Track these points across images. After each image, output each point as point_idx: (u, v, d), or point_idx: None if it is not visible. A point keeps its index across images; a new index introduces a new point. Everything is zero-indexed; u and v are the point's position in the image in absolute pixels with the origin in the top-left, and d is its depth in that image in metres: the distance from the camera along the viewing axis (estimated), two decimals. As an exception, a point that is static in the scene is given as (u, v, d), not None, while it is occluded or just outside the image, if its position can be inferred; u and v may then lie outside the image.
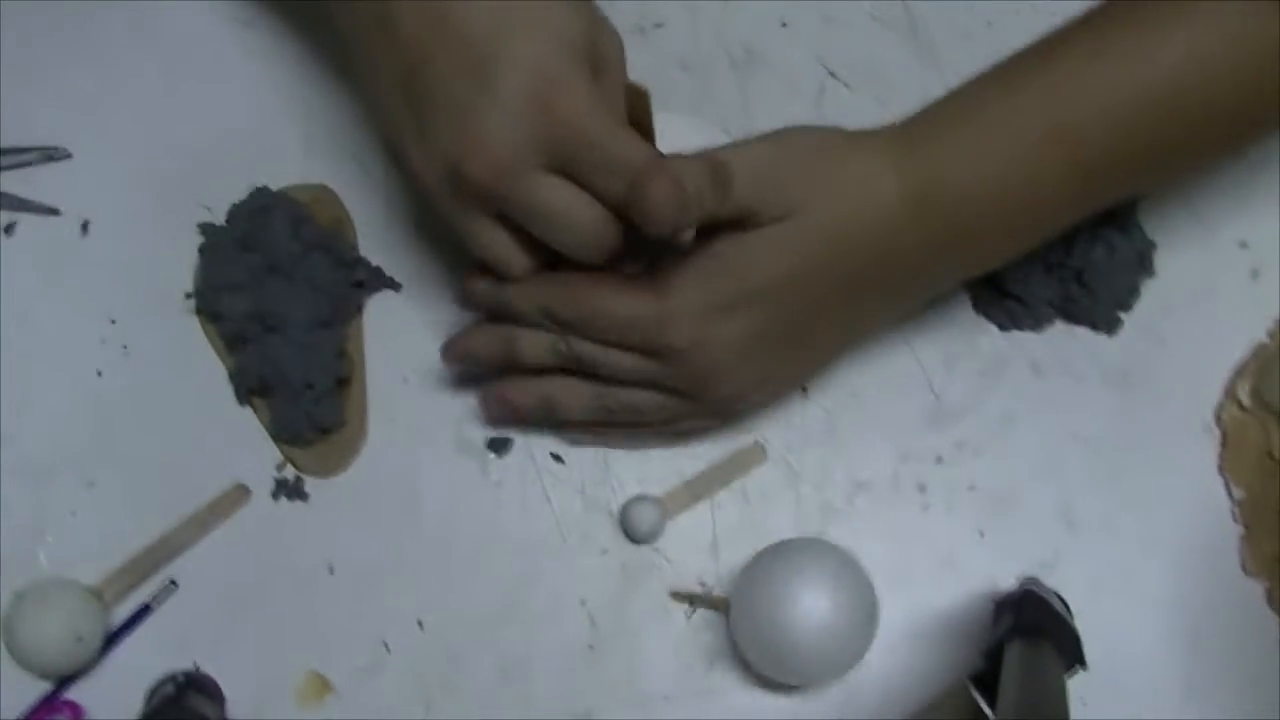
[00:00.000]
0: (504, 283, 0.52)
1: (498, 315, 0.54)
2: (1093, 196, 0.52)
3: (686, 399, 0.53)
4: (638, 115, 0.49)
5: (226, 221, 0.58)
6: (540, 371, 0.54)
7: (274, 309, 0.56)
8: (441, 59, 0.46)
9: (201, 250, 0.58)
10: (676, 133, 0.52)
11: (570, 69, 0.46)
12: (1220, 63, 0.48)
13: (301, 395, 0.56)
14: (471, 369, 0.57)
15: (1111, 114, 0.49)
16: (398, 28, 0.47)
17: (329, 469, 0.58)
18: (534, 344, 0.53)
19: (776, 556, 0.53)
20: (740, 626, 0.52)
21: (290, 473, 0.58)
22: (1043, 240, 0.53)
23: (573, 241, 0.49)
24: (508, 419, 0.57)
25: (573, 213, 0.48)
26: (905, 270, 0.51)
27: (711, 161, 0.47)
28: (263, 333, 0.57)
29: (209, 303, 0.57)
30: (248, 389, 0.58)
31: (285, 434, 0.57)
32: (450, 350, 0.55)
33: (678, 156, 0.47)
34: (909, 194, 0.49)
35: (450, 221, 0.50)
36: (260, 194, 0.58)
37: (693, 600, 0.56)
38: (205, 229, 0.58)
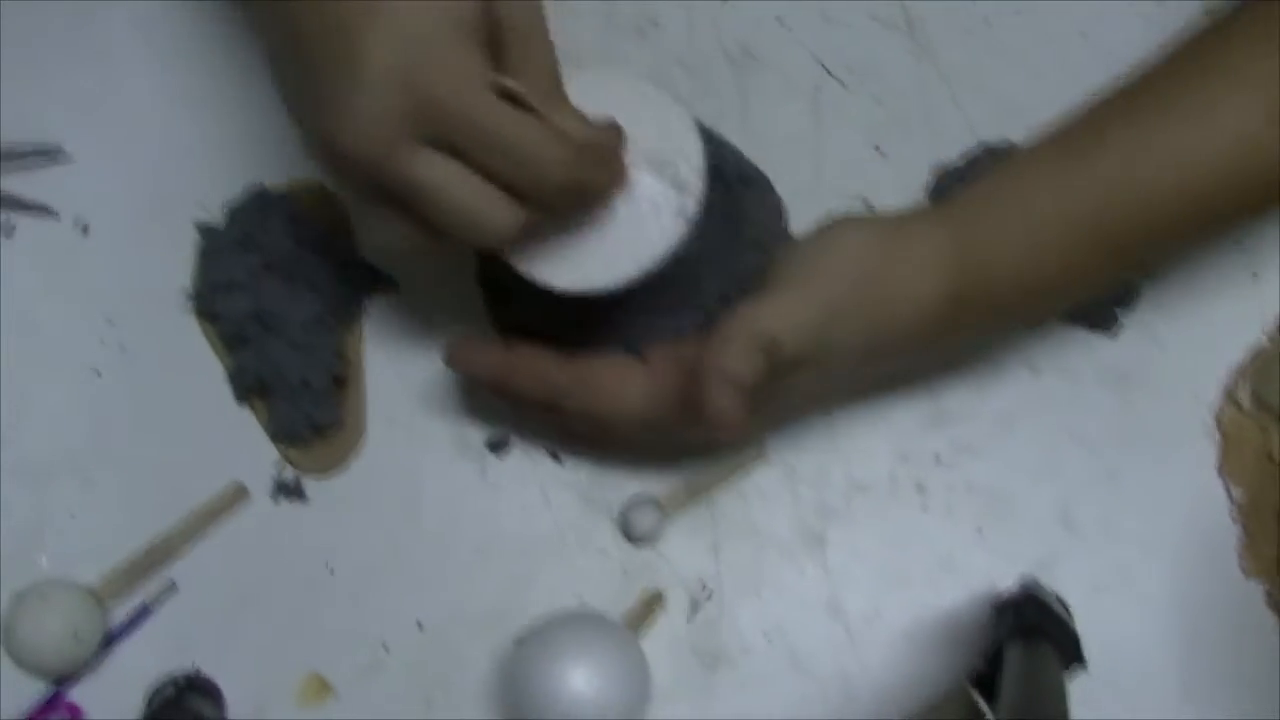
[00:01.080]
0: (507, 360, 0.52)
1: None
2: (1123, 274, 0.56)
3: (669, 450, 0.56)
4: None
5: (225, 222, 0.58)
6: None
7: (272, 309, 0.56)
8: (316, 36, 0.45)
9: (200, 250, 0.58)
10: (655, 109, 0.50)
11: (445, 40, 0.43)
12: (1267, 149, 0.48)
13: (300, 395, 0.56)
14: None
15: (1156, 207, 0.49)
16: (287, 11, 0.46)
17: (327, 469, 0.58)
18: (539, 420, 0.55)
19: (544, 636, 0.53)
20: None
21: (289, 473, 0.58)
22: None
23: (456, 221, 0.45)
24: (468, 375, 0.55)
25: (450, 189, 0.44)
26: (933, 347, 0.52)
27: (764, 342, 0.46)
28: (261, 333, 0.57)
29: (208, 303, 0.57)
30: (246, 389, 0.58)
31: (283, 434, 0.57)
32: (451, 358, 0.54)
33: (724, 336, 0.46)
34: (953, 294, 0.50)
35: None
36: (259, 194, 0.58)
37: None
38: (204, 229, 0.58)
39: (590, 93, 0.48)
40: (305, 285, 0.57)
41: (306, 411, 0.56)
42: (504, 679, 0.54)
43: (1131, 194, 0.49)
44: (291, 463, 0.58)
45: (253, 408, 0.58)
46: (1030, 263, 0.50)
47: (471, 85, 0.44)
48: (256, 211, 0.57)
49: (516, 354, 0.52)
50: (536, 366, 0.52)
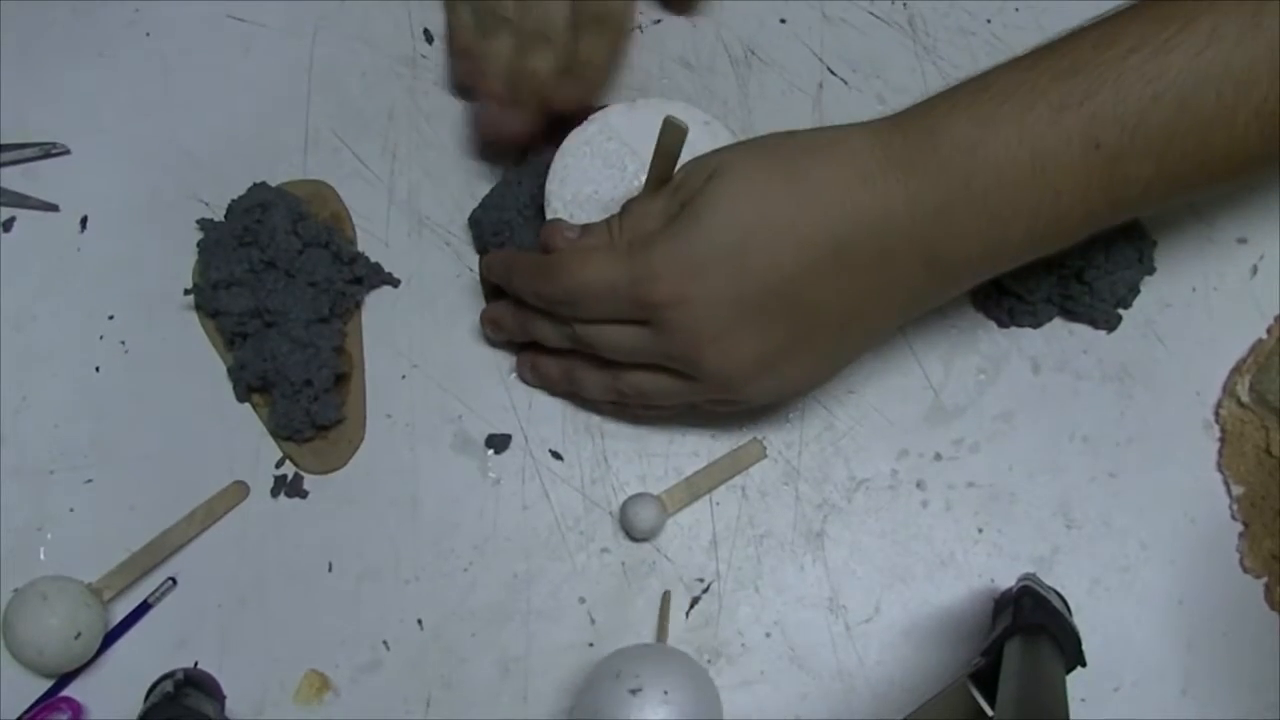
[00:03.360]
0: (508, 266, 0.55)
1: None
2: (1114, 190, 0.49)
3: (686, 379, 0.52)
4: (666, 145, 0.50)
5: (225, 217, 0.58)
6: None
7: (273, 305, 0.56)
8: None
9: (200, 246, 0.58)
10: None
11: None
12: (1249, 63, 0.47)
13: (300, 392, 0.56)
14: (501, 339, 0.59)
15: (1127, 103, 0.47)
16: None
17: (328, 465, 0.58)
18: (545, 329, 0.55)
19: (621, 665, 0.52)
20: None
21: (289, 469, 0.58)
22: (1058, 240, 0.51)
23: (527, 6, 0.57)
24: (540, 386, 0.59)
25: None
26: (900, 247, 0.49)
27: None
28: (262, 329, 0.57)
29: (208, 299, 0.57)
30: (247, 385, 0.58)
31: (284, 430, 0.57)
32: (484, 318, 0.59)
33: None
34: (891, 155, 0.48)
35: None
36: (259, 190, 0.58)
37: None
38: (204, 225, 0.58)
39: (650, 119, 0.52)
40: (305, 281, 0.57)
41: (307, 408, 0.56)
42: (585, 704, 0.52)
43: (1103, 81, 0.47)
44: (293, 459, 0.58)
45: (253, 405, 0.58)
46: (992, 135, 0.47)
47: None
48: (257, 208, 0.57)
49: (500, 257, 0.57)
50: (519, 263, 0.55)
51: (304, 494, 0.57)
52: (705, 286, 0.49)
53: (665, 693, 0.49)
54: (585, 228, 0.54)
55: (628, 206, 0.53)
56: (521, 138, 0.58)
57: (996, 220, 0.48)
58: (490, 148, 0.61)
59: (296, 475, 0.58)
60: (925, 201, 0.48)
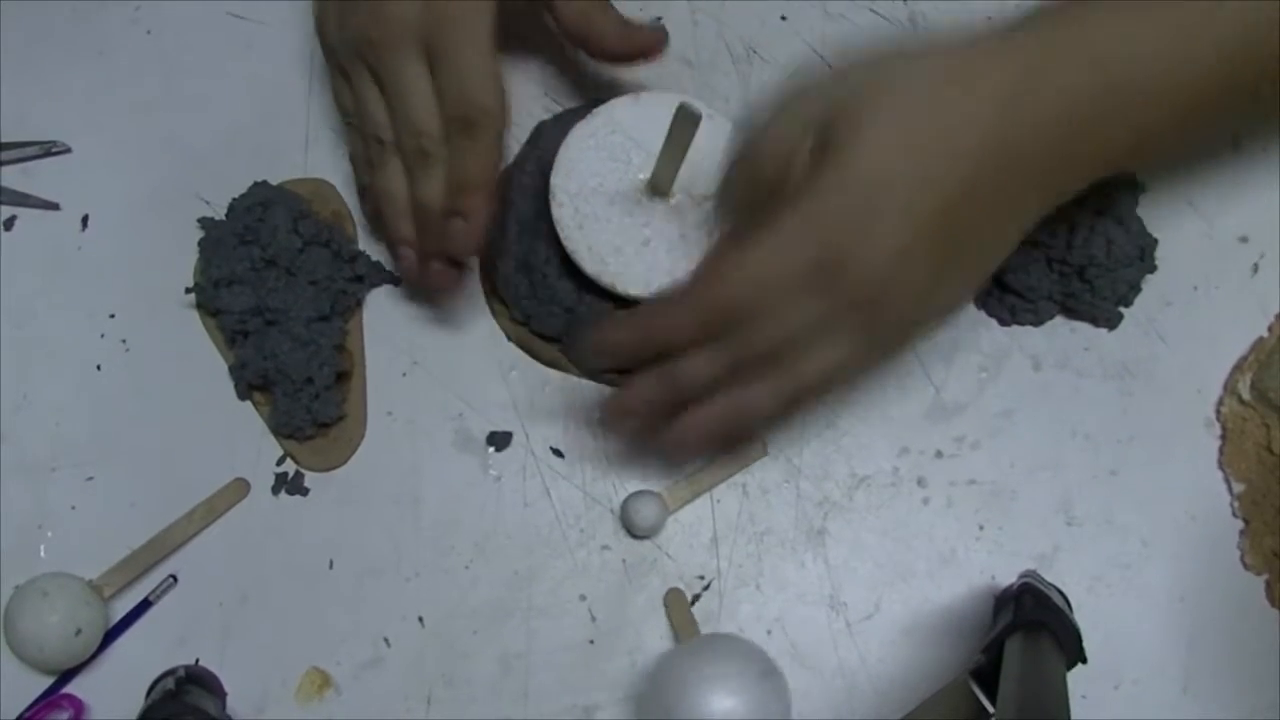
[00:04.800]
0: (650, 318, 0.51)
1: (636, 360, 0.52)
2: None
3: (860, 336, 0.49)
4: (679, 134, 0.50)
5: (226, 216, 0.58)
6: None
7: (274, 304, 0.56)
8: None
9: (201, 244, 0.58)
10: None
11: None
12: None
13: (301, 390, 0.56)
14: (633, 432, 0.56)
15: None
16: None
17: (328, 463, 0.58)
18: (696, 364, 0.50)
19: (694, 654, 0.52)
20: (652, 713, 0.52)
21: (290, 467, 0.58)
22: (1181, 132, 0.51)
23: (399, 121, 0.53)
24: (698, 449, 0.54)
25: (409, 92, 0.53)
26: (1028, 154, 0.48)
27: None
28: (263, 327, 0.57)
29: (209, 297, 0.57)
30: (248, 384, 0.58)
31: (285, 428, 0.57)
32: (613, 412, 0.54)
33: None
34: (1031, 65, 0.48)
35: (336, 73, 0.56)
36: (260, 188, 0.58)
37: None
38: (205, 223, 0.58)
39: (654, 112, 0.53)
40: (306, 279, 0.57)
41: (308, 406, 0.56)
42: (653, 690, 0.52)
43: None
44: (294, 457, 0.58)
45: (254, 403, 0.58)
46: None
47: (471, 24, 0.52)
48: (258, 206, 0.57)
49: (633, 322, 0.51)
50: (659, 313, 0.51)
51: (305, 491, 0.57)
52: (881, 231, 0.46)
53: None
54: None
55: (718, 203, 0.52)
56: (458, 284, 0.57)
57: (1105, 142, 0.49)
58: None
59: (298, 473, 0.58)
60: (1048, 108, 0.48)
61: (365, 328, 0.59)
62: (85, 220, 0.60)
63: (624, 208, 0.55)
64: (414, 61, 0.52)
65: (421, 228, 0.55)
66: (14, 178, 0.60)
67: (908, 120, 0.47)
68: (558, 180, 0.56)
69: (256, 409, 0.58)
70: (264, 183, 0.59)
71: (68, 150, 0.61)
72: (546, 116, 0.60)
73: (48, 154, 0.61)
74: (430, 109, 0.53)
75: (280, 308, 0.56)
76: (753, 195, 0.49)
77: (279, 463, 0.58)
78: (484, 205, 0.53)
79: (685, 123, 0.49)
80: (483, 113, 0.52)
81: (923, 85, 0.48)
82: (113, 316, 0.59)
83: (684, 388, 0.50)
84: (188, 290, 0.58)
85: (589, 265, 0.54)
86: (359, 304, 0.59)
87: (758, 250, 0.47)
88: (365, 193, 0.58)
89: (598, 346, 0.52)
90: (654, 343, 0.50)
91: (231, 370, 0.58)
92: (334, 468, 0.58)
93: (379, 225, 0.59)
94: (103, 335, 0.59)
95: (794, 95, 0.49)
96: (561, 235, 0.55)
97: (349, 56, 0.54)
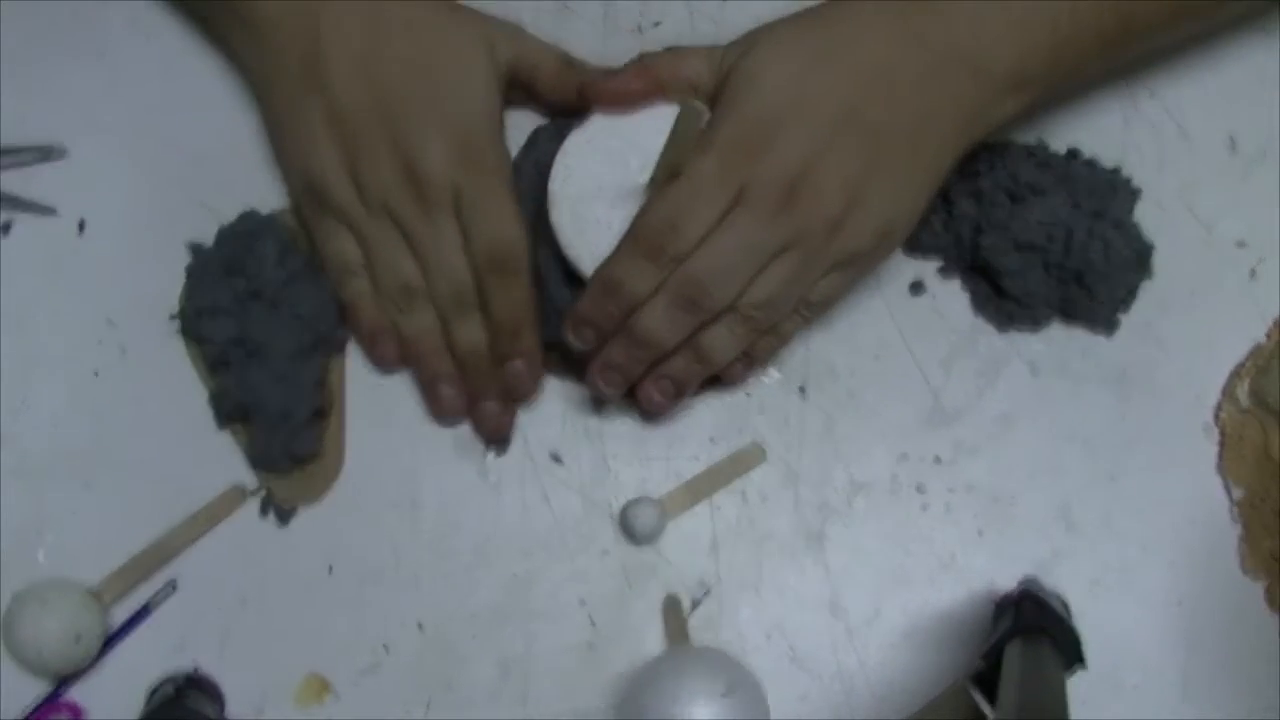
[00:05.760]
0: (602, 270, 0.53)
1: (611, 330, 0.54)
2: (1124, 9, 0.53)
3: (801, 251, 0.52)
4: (682, 131, 0.50)
5: (214, 244, 0.58)
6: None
7: (256, 336, 0.56)
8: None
9: (188, 271, 0.58)
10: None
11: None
12: None
13: (279, 425, 0.56)
14: (617, 397, 0.56)
15: None
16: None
17: (304, 498, 0.57)
18: (652, 310, 0.53)
19: (656, 670, 0.53)
20: None
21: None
22: (1076, 62, 0.54)
23: (432, 270, 0.55)
24: (671, 402, 0.56)
25: (446, 246, 0.55)
26: (942, 60, 0.52)
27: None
28: (244, 359, 0.56)
29: (192, 325, 0.57)
30: (227, 414, 0.57)
31: (262, 461, 0.57)
32: (593, 374, 0.55)
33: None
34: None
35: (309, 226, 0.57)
36: (248, 218, 0.58)
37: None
38: (193, 249, 0.58)
39: (652, 115, 0.54)
40: (290, 314, 0.56)
41: (285, 442, 0.56)
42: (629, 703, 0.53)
43: None
44: (269, 490, 0.57)
45: (233, 432, 0.58)
46: None
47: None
48: (246, 235, 0.57)
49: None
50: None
51: (286, 519, 0.57)
52: (783, 129, 0.51)
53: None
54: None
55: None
56: (513, 424, 0.58)
57: (1023, 27, 0.52)
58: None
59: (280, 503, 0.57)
60: (956, 13, 0.52)
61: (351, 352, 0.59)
62: (82, 225, 0.60)
63: (624, 211, 0.55)
64: (450, 217, 0.54)
65: (470, 372, 0.56)
66: (11, 182, 0.60)
67: (789, 43, 0.53)
68: (556, 186, 0.55)
69: (235, 439, 0.58)
70: (253, 212, 0.58)
71: (65, 154, 0.61)
72: (543, 122, 0.60)
73: (45, 158, 0.61)
74: (463, 257, 0.54)
75: (262, 340, 0.56)
76: (676, 157, 0.52)
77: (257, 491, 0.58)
78: (538, 343, 0.56)
79: (689, 121, 0.49)
80: (514, 252, 0.54)
81: (801, 18, 0.54)
82: (110, 323, 0.59)
83: (646, 340, 0.53)
84: (172, 317, 0.58)
85: (590, 270, 0.54)
86: (343, 340, 0.58)
87: (678, 183, 0.51)
88: (380, 334, 0.57)
89: (571, 320, 0.54)
90: (614, 297, 0.52)
91: (211, 399, 0.57)
92: (310, 502, 0.57)
93: (411, 365, 0.58)
94: (100, 341, 0.59)
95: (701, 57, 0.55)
96: (561, 241, 0.55)
97: (365, 213, 0.55)
